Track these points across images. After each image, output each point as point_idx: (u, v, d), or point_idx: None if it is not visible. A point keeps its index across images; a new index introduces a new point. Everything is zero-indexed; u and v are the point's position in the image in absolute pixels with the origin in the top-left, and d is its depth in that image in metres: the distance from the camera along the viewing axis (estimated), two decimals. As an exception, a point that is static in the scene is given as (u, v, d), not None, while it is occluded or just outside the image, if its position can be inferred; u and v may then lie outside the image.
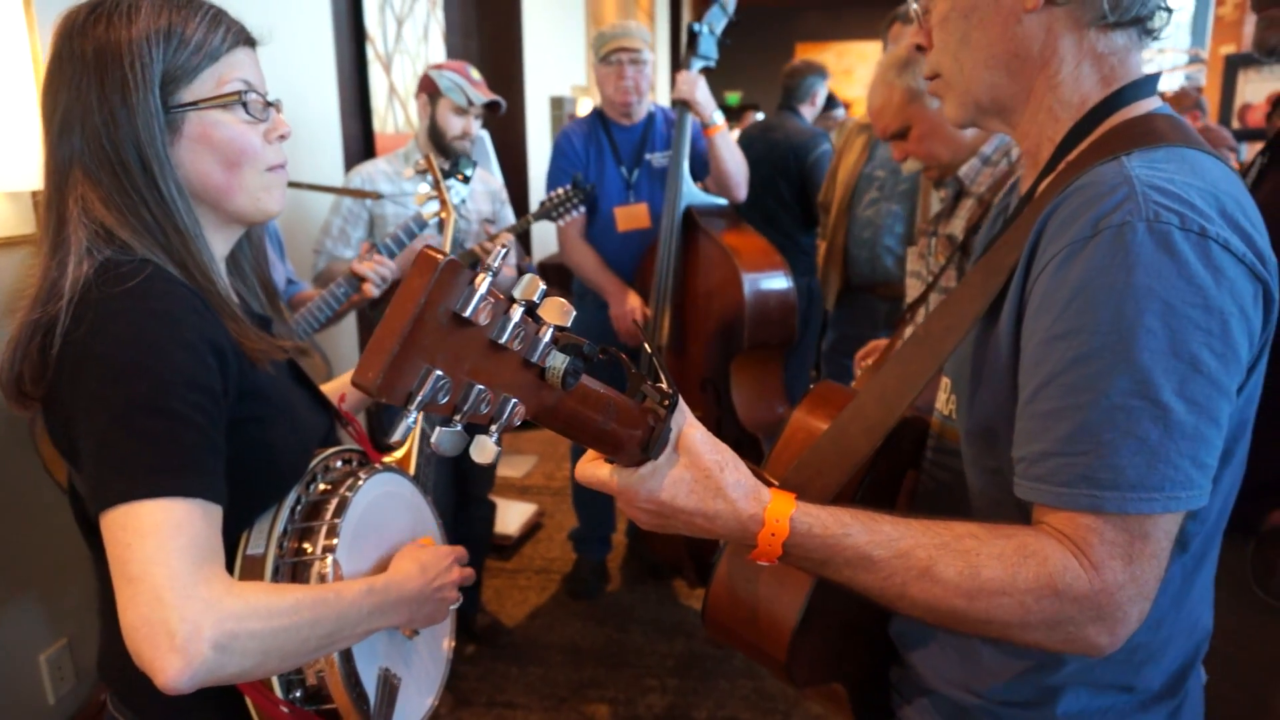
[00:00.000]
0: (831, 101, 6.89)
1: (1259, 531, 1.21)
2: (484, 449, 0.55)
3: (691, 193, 2.81)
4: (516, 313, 0.54)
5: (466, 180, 2.16)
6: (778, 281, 2.75)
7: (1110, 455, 0.69)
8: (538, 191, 4.94)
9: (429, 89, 2.55)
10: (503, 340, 0.53)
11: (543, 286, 0.55)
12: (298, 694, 0.96)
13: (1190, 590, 0.85)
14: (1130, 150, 0.75)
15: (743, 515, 0.74)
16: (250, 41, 0.98)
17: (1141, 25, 0.82)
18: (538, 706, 2.59)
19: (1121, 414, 0.69)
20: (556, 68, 5.60)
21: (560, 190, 2.61)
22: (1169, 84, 7.30)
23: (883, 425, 0.84)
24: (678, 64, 2.83)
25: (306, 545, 0.97)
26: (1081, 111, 0.83)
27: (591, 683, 2.70)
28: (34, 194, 1.88)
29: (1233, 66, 6.40)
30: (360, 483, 1.03)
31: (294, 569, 0.95)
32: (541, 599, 3.19)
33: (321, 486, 1.03)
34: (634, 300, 2.87)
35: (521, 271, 3.77)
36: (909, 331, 1.39)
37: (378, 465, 1.12)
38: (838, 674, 1.01)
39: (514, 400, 0.55)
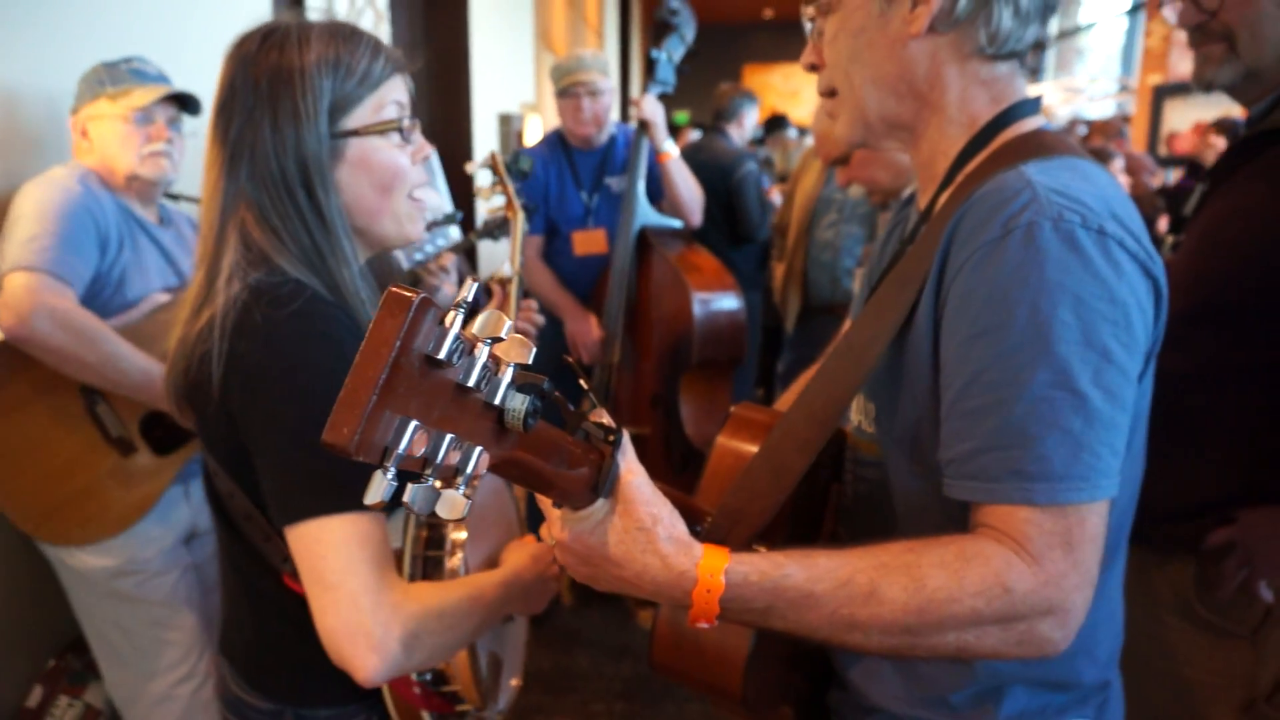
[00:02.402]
0: (780, 122, 7.00)
1: (1200, 551, 1.24)
2: (452, 504, 0.50)
3: (646, 213, 2.84)
4: (483, 353, 0.50)
5: (524, 175, 2.12)
6: (728, 301, 2.79)
7: (1037, 447, 0.71)
8: (485, 209, 4.90)
9: None
10: (470, 383, 0.49)
11: (509, 322, 0.51)
12: (428, 676, 1.05)
13: (1107, 581, 0.86)
14: (1027, 160, 0.79)
15: (674, 570, 0.71)
16: (404, 68, 1.01)
17: (1019, 59, 0.87)
18: (482, 735, 2.53)
19: (1045, 405, 0.71)
20: (505, 85, 5.57)
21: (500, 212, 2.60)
22: (1101, 111, 7.58)
23: (815, 441, 0.84)
24: (627, 84, 2.85)
25: (436, 539, 1.04)
26: (974, 129, 0.87)
27: (537, 709, 2.64)
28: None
29: (1160, 96, 6.67)
30: None
31: (425, 563, 1.03)
32: (487, 623, 3.12)
33: None
34: (591, 320, 2.90)
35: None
36: None
37: None
38: (787, 698, 1.00)
39: (479, 449, 0.51)
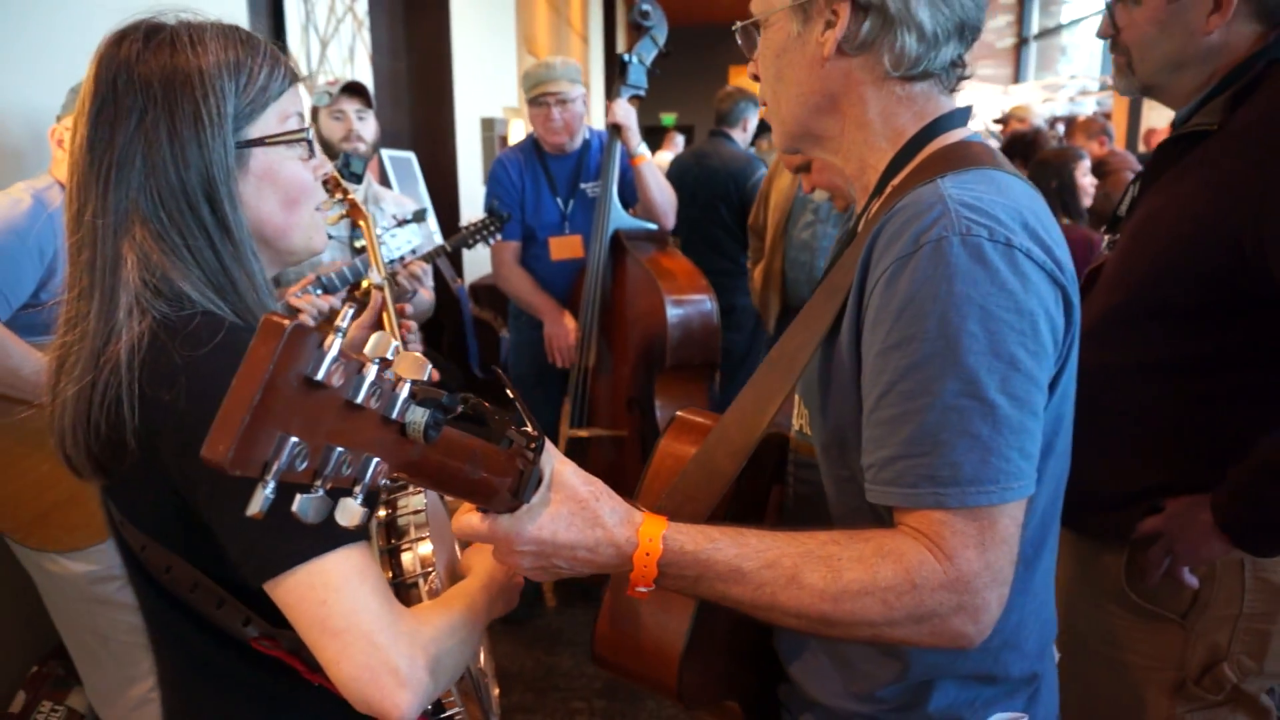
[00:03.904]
0: (767, 125, 7.02)
1: (1130, 539, 1.28)
2: (349, 512, 0.54)
3: (620, 217, 2.87)
4: (371, 371, 0.53)
5: (358, 178, 2.18)
6: (701, 304, 2.82)
7: (948, 453, 0.75)
8: (468, 213, 4.93)
9: (313, 113, 2.62)
10: (359, 399, 0.52)
11: (395, 343, 0.54)
12: (429, 708, 0.97)
13: (1033, 577, 0.90)
14: (945, 173, 0.82)
15: (619, 539, 0.76)
16: (297, 79, 0.95)
17: (935, 79, 0.89)
18: (464, 733, 2.56)
19: (955, 414, 0.75)
20: (487, 89, 5.60)
21: (476, 219, 2.64)
22: (1081, 109, 7.63)
23: (745, 447, 0.89)
24: (612, 89, 2.88)
25: (405, 555, 1.00)
26: (900, 142, 0.90)
27: (520, 708, 2.68)
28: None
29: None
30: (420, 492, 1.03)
31: (398, 590, 0.97)
32: (471, 624, 3.16)
33: (386, 499, 1.04)
34: (569, 321, 2.93)
35: (449, 291, 3.75)
36: None
37: None
38: (730, 693, 1.03)
39: (375, 459, 0.54)
